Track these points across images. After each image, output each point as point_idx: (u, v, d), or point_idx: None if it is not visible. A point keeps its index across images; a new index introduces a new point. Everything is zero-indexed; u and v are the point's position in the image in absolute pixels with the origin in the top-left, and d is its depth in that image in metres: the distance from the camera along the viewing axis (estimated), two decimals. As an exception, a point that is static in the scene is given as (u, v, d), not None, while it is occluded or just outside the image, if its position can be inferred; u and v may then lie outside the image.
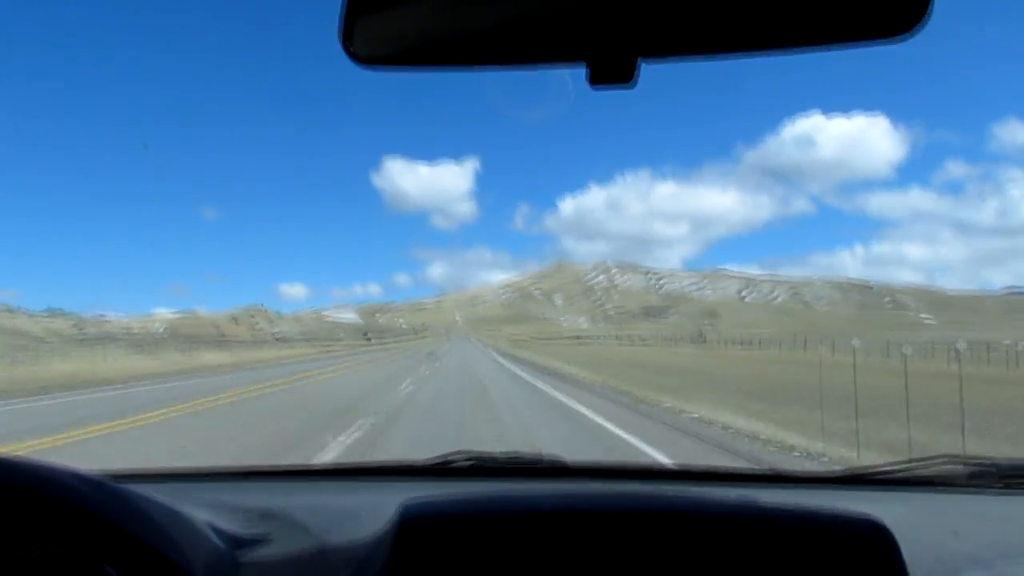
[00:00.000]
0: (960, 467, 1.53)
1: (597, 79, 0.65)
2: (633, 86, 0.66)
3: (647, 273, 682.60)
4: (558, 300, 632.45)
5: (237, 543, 0.82)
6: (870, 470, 1.61)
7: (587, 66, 0.65)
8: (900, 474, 1.55)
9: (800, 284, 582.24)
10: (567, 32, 0.65)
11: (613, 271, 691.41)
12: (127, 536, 0.68)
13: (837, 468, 2.52)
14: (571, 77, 0.70)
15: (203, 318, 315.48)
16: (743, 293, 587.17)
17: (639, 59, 0.65)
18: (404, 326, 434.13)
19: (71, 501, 0.67)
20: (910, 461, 1.60)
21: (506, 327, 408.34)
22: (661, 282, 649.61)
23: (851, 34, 0.64)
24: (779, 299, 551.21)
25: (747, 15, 0.64)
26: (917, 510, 1.38)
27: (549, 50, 0.67)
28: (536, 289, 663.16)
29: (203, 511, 0.86)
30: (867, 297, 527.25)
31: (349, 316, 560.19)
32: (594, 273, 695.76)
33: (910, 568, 0.72)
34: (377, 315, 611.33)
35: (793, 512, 0.76)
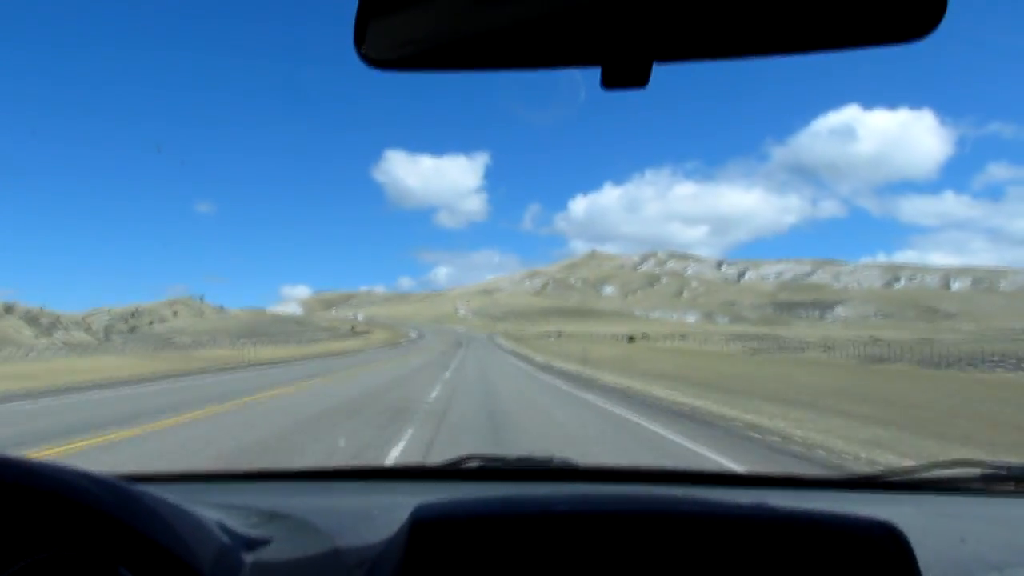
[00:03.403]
0: (973, 471, 1.51)
1: (610, 81, 0.64)
2: (646, 87, 0.63)
3: (720, 263, 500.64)
4: (608, 290, 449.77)
5: (247, 543, 0.82)
6: (883, 474, 1.59)
7: (601, 68, 0.63)
8: (913, 478, 1.53)
9: (979, 271, 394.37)
10: (581, 35, 0.63)
11: (668, 261, 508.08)
12: (138, 536, 0.68)
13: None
14: (583, 79, 0.67)
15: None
16: (891, 282, 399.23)
17: (653, 61, 0.63)
18: (360, 318, 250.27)
19: (83, 502, 0.67)
20: (923, 465, 1.58)
21: (559, 322, 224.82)
22: (738, 271, 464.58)
23: (863, 36, 0.62)
24: (958, 287, 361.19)
25: (760, 17, 0.62)
26: (930, 514, 1.35)
27: (562, 53, 0.65)
28: (574, 278, 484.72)
29: (213, 511, 0.86)
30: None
31: (292, 309, 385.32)
32: (643, 263, 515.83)
33: (923, 572, 0.70)
34: (333, 307, 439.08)
35: (806, 516, 0.75)
